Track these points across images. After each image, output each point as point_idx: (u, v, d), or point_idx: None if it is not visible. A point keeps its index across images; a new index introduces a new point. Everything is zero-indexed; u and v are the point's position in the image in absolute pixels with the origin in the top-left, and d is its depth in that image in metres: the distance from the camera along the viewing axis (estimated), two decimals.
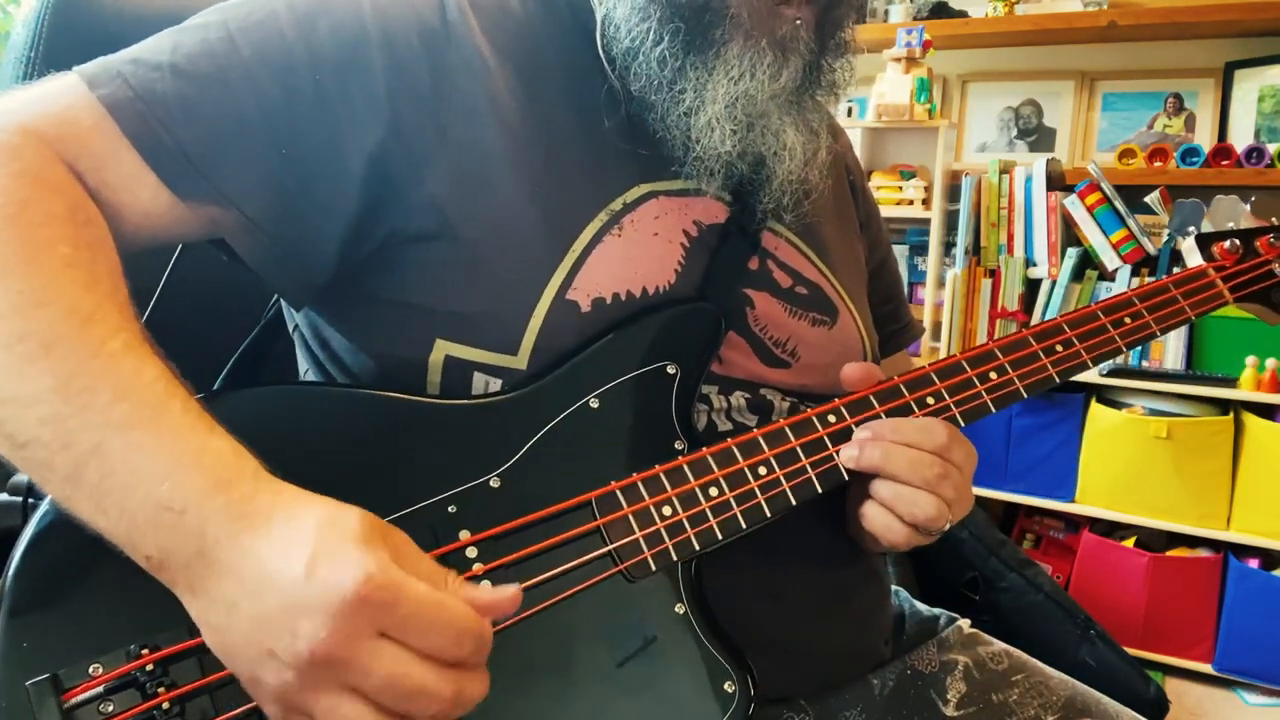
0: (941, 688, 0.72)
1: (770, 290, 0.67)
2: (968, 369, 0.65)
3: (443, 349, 0.60)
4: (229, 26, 0.57)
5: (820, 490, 0.59)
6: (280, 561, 0.42)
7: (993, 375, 0.65)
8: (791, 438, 0.60)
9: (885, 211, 2.42)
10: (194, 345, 0.68)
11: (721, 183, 0.65)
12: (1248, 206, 0.82)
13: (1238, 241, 0.78)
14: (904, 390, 0.64)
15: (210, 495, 0.44)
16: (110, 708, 0.45)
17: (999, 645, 0.78)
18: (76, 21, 0.75)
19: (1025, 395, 0.66)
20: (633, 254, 0.62)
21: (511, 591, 0.46)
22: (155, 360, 0.48)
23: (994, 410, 0.65)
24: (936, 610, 0.82)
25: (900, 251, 2.53)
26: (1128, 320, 0.71)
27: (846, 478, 0.60)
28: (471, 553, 0.52)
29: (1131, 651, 1.86)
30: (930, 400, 0.64)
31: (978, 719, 0.70)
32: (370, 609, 0.41)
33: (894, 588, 0.81)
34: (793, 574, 0.65)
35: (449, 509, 0.53)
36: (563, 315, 0.59)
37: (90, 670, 0.45)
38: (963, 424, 0.64)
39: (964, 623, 0.80)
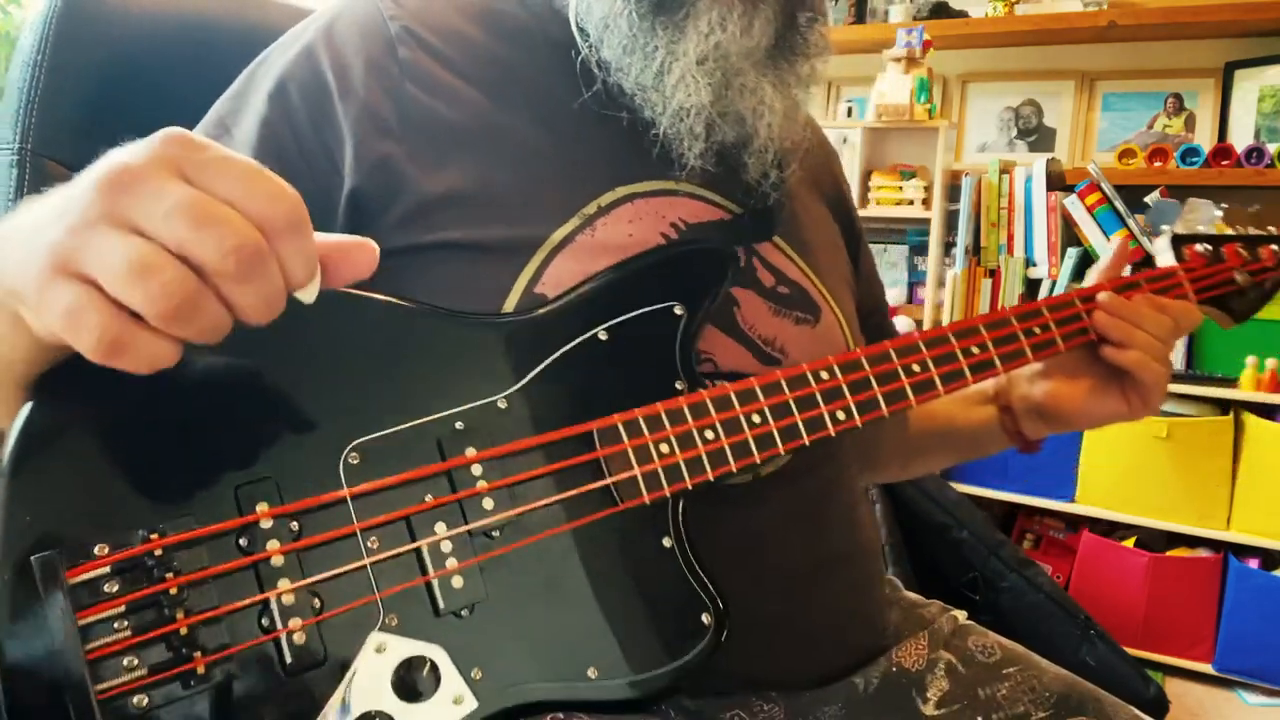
0: (922, 686, 0.70)
1: (755, 289, 0.68)
2: (953, 340, 0.69)
3: None
4: (225, 120, 0.65)
5: (807, 443, 0.62)
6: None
7: (974, 349, 0.70)
8: (786, 390, 0.62)
9: (885, 211, 2.42)
10: None
11: (703, 148, 0.65)
12: (1219, 212, 0.89)
13: (1209, 246, 0.84)
14: (893, 354, 0.67)
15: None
16: (115, 588, 0.44)
17: (994, 637, 0.76)
18: (83, 25, 0.75)
19: (1001, 370, 0.71)
20: (604, 255, 0.63)
21: (368, 242, 0.46)
22: None
23: (971, 381, 0.69)
24: (930, 600, 0.80)
25: (900, 251, 2.54)
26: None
27: (834, 433, 0.63)
28: (476, 470, 0.54)
29: (1131, 651, 1.86)
30: (916, 367, 0.67)
31: (959, 717, 0.68)
32: (178, 144, 0.39)
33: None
34: (775, 557, 0.65)
35: (456, 424, 0.55)
36: (531, 306, 0.61)
37: (96, 550, 0.44)
38: (943, 391, 0.67)
39: (959, 614, 0.79)
